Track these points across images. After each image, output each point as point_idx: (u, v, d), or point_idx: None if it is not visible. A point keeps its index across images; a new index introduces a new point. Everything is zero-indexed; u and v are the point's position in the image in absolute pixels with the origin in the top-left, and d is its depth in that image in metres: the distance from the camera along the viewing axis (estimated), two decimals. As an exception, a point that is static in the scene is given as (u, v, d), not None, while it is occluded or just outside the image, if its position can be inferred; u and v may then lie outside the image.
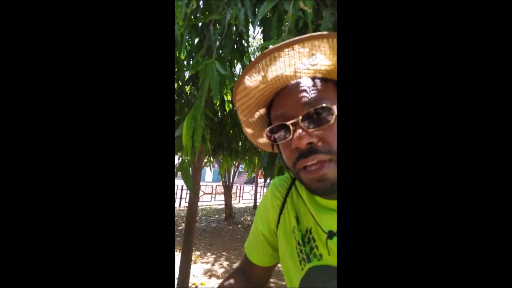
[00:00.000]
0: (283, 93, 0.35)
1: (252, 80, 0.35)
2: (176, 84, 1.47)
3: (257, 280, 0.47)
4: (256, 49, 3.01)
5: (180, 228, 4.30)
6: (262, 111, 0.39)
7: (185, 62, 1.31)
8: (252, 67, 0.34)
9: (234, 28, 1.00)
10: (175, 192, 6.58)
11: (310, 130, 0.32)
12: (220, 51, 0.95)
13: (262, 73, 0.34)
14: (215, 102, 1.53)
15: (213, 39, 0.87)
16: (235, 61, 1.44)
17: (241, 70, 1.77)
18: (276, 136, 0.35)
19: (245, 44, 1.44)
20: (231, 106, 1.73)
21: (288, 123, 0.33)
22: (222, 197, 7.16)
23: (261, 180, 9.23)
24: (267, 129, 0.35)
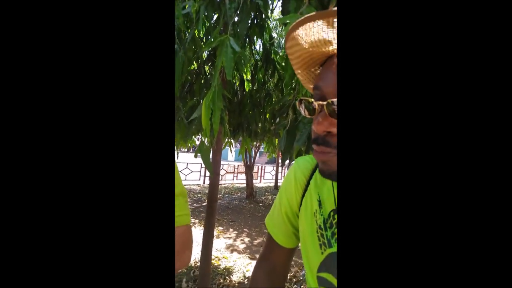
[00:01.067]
0: (328, 64, 0.33)
1: (299, 37, 0.33)
2: (195, 64, 1.45)
3: (281, 262, 0.48)
4: (277, 24, 2.86)
5: (204, 204, 4.52)
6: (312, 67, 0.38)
7: (203, 41, 1.28)
8: (301, 24, 0.32)
9: (251, 3, 0.93)
10: (199, 170, 6.85)
11: (332, 119, 0.30)
12: (236, 27, 0.90)
13: (306, 35, 0.32)
14: (231, 81, 1.50)
15: (229, 14, 0.83)
16: (255, 37, 1.37)
17: (261, 46, 1.70)
18: (302, 108, 0.34)
19: (265, 19, 1.35)
20: (250, 86, 1.69)
21: (315, 102, 0.31)
22: (243, 176, 7.34)
23: (282, 160, 9.24)
24: (298, 99, 0.35)
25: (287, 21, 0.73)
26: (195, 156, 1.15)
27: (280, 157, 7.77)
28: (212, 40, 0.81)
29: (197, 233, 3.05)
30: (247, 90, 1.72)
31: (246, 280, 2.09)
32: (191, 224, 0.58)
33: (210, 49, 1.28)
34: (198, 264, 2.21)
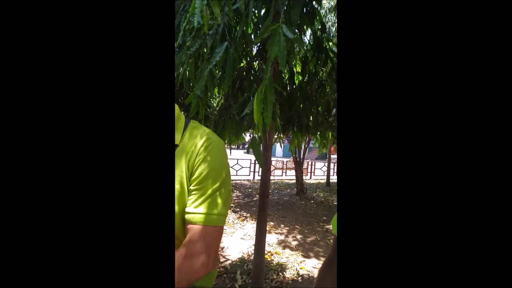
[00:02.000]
0: None
1: None
2: (244, 61, 1.46)
3: None
4: (328, 11, 2.68)
5: (255, 199, 4.62)
6: None
7: (252, 36, 1.26)
8: None
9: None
10: (249, 166, 7.02)
11: None
12: (289, 14, 0.85)
13: None
14: (282, 71, 1.45)
15: (280, 1, 0.79)
16: (305, 26, 1.30)
17: (311, 35, 1.61)
18: None
19: (316, 6, 1.27)
20: (300, 78, 1.61)
21: None
22: (293, 172, 7.24)
23: (334, 157, 8.78)
24: None
25: None
26: (247, 152, 1.16)
27: (333, 152, 7.40)
28: (264, 30, 0.78)
29: (249, 227, 3.13)
30: (296, 83, 1.65)
31: (300, 277, 2.05)
32: (224, 227, 0.54)
33: (259, 43, 1.26)
34: (251, 258, 2.26)
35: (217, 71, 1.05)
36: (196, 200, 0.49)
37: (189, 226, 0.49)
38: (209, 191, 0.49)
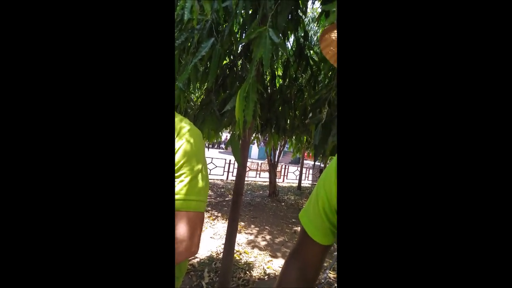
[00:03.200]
0: None
1: (332, 38, 0.39)
2: (227, 59, 1.47)
3: (314, 260, 0.46)
4: (311, 20, 2.80)
5: (227, 199, 4.60)
6: None
7: (238, 35, 1.29)
8: (333, 28, 0.38)
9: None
10: (223, 166, 6.98)
11: None
12: (276, 19, 0.89)
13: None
14: (265, 73, 1.49)
15: (268, 5, 0.82)
16: (289, 32, 1.35)
17: (294, 42, 1.68)
18: None
19: (301, 15, 1.33)
20: (281, 82, 1.67)
21: None
22: (266, 174, 7.34)
23: (307, 162, 9.06)
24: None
25: (325, 13, 0.71)
26: (226, 148, 1.17)
27: (306, 158, 7.63)
28: (252, 31, 0.81)
29: (219, 226, 3.11)
30: (277, 86, 1.70)
31: (267, 276, 2.09)
32: (204, 214, 0.54)
33: (243, 43, 1.29)
34: (220, 256, 2.26)
35: (201, 66, 1.06)
36: (175, 186, 0.49)
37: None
38: (188, 178, 0.49)
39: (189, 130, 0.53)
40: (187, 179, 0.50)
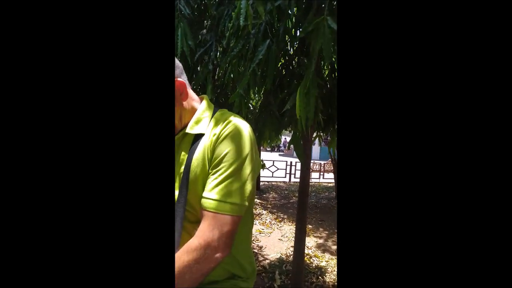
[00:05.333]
0: None
1: None
2: (282, 59, 1.46)
3: None
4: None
5: (292, 201, 4.56)
6: None
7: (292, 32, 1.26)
8: None
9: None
10: (285, 168, 6.96)
11: None
12: (332, 6, 0.83)
13: None
14: (325, 65, 1.41)
15: (323, -7, 0.78)
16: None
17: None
18: None
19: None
20: (342, 74, 1.56)
21: None
22: (330, 175, 6.96)
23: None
24: None
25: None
26: (288, 148, 1.15)
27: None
28: (307, 25, 0.78)
29: (287, 228, 3.09)
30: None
31: (342, 283, 1.95)
32: (239, 217, 0.49)
33: (297, 40, 1.26)
34: (290, 258, 2.23)
35: (258, 70, 1.08)
36: (209, 183, 0.48)
37: (203, 211, 0.47)
38: (223, 176, 0.47)
39: (233, 125, 0.50)
40: (223, 177, 0.47)
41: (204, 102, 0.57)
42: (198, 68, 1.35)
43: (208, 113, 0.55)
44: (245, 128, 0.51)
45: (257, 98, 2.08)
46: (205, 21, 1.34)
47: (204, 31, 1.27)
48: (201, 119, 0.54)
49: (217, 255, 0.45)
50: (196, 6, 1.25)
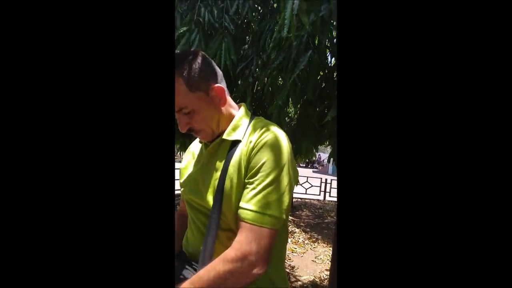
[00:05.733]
0: None
1: None
2: (321, 72, 1.44)
3: None
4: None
5: (326, 221, 4.31)
6: None
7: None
8: None
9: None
10: (319, 185, 6.69)
11: None
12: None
13: None
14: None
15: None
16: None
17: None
18: None
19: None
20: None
21: None
22: (370, 195, 6.44)
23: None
24: None
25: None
26: (329, 162, 1.10)
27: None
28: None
29: (320, 249, 2.91)
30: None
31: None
32: (276, 230, 0.47)
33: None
34: (325, 282, 2.06)
35: (299, 81, 1.07)
36: (247, 193, 0.46)
37: (240, 222, 0.46)
38: (261, 186, 0.45)
39: (271, 133, 0.49)
40: (261, 186, 0.45)
41: (242, 109, 0.57)
42: (239, 82, 1.39)
43: (246, 120, 0.55)
44: (283, 137, 0.50)
45: (293, 111, 2.07)
46: (247, 37, 1.39)
47: (246, 46, 1.32)
48: (239, 125, 0.54)
49: (254, 270, 0.44)
50: (240, 22, 1.32)
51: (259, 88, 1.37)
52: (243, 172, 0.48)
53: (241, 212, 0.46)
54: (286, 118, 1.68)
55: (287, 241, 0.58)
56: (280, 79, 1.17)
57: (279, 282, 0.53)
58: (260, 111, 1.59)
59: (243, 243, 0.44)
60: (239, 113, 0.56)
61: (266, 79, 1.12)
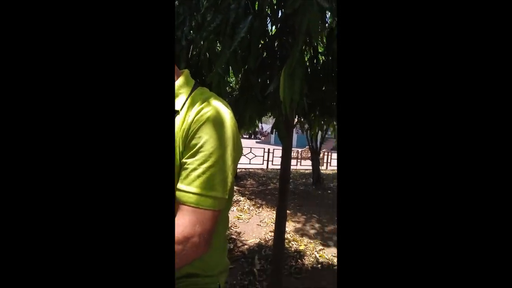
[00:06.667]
0: None
1: None
2: (262, 41, 1.39)
3: None
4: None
5: (269, 187, 4.61)
6: None
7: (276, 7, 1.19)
8: None
9: None
10: (262, 155, 7.00)
11: None
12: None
13: None
14: (307, 48, 1.37)
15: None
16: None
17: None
18: None
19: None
20: (323, 58, 1.53)
21: None
22: (308, 162, 7.15)
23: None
24: None
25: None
26: (272, 132, 1.12)
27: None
28: (294, 1, 0.72)
29: (265, 214, 3.13)
30: (321, 62, 1.57)
31: (320, 265, 2.03)
32: (220, 211, 0.45)
33: (281, 20, 1.19)
34: (269, 243, 2.26)
35: (239, 49, 1.00)
36: (188, 174, 0.42)
37: (180, 205, 0.41)
38: (203, 167, 0.41)
39: (214, 108, 0.44)
40: (203, 167, 0.41)
41: (182, 77, 0.50)
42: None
43: (186, 90, 0.49)
44: (226, 112, 0.46)
45: (234, 81, 2.00)
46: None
47: (176, 2, 1.15)
48: (177, 95, 0.47)
49: (198, 251, 0.42)
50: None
51: (194, 53, 1.24)
52: (180, 150, 0.43)
53: (182, 195, 0.42)
54: (228, 88, 1.61)
55: (228, 224, 0.58)
56: (218, 44, 1.07)
57: (217, 260, 0.52)
58: (198, 79, 1.47)
59: (186, 226, 0.41)
60: (177, 82, 0.49)
61: (202, 42, 1.01)
